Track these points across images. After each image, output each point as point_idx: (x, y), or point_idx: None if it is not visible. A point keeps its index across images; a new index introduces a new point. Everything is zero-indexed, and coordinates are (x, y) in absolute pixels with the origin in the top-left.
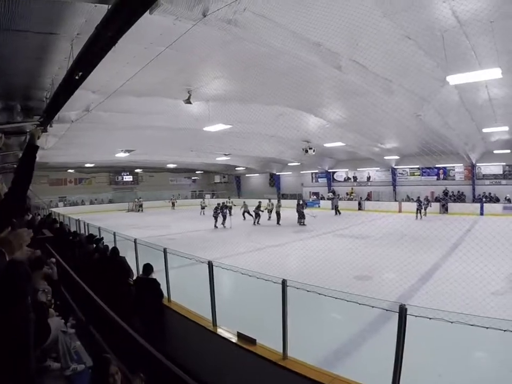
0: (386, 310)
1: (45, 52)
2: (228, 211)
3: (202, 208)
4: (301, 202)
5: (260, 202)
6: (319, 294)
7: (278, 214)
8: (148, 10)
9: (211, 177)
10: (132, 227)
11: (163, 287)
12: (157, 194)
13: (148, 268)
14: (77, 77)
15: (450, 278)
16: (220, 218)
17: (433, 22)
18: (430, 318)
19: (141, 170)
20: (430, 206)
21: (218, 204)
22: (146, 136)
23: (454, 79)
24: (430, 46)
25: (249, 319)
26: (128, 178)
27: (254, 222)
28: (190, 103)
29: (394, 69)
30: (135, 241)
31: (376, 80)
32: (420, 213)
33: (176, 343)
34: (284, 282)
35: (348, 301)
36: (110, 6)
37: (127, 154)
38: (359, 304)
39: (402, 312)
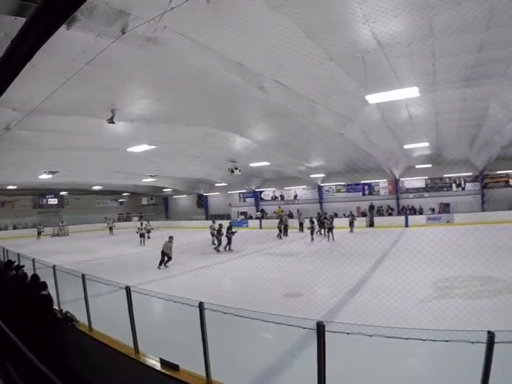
0: (304, 328)
1: None
2: (232, 233)
3: (148, 232)
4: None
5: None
6: (236, 315)
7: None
8: (66, 25)
9: (138, 199)
10: (57, 253)
11: (84, 316)
12: (83, 218)
13: (41, 285)
14: None
15: (378, 289)
16: (224, 241)
17: (355, 44)
18: (347, 333)
19: (67, 192)
20: (355, 219)
21: (221, 225)
22: (70, 157)
23: (373, 98)
24: (352, 67)
25: (173, 344)
26: (53, 201)
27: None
28: (113, 122)
29: (318, 90)
30: (53, 267)
31: (300, 100)
32: (352, 226)
33: (98, 374)
34: (200, 305)
35: (264, 321)
36: (26, 19)
37: (50, 176)
38: (276, 323)
39: (320, 330)
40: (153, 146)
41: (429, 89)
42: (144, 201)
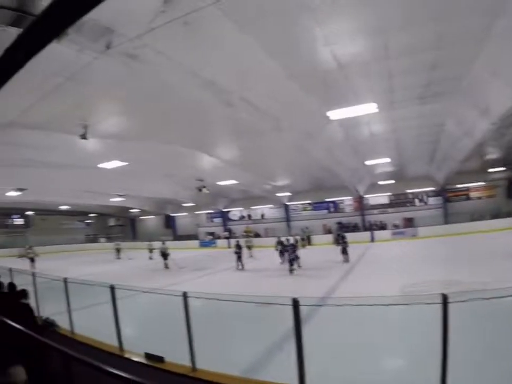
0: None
1: None
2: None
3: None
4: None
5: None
6: (218, 299)
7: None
8: (57, 39)
9: (105, 220)
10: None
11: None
12: (51, 239)
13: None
14: None
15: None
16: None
17: (316, 64)
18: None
19: (33, 212)
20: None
21: (237, 241)
22: (39, 174)
23: (334, 114)
24: (313, 86)
25: (160, 341)
26: (19, 221)
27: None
28: (86, 138)
29: (281, 107)
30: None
31: (265, 118)
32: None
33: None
34: (184, 294)
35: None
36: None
37: (19, 193)
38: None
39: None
40: (125, 163)
41: (388, 107)
42: (112, 222)
